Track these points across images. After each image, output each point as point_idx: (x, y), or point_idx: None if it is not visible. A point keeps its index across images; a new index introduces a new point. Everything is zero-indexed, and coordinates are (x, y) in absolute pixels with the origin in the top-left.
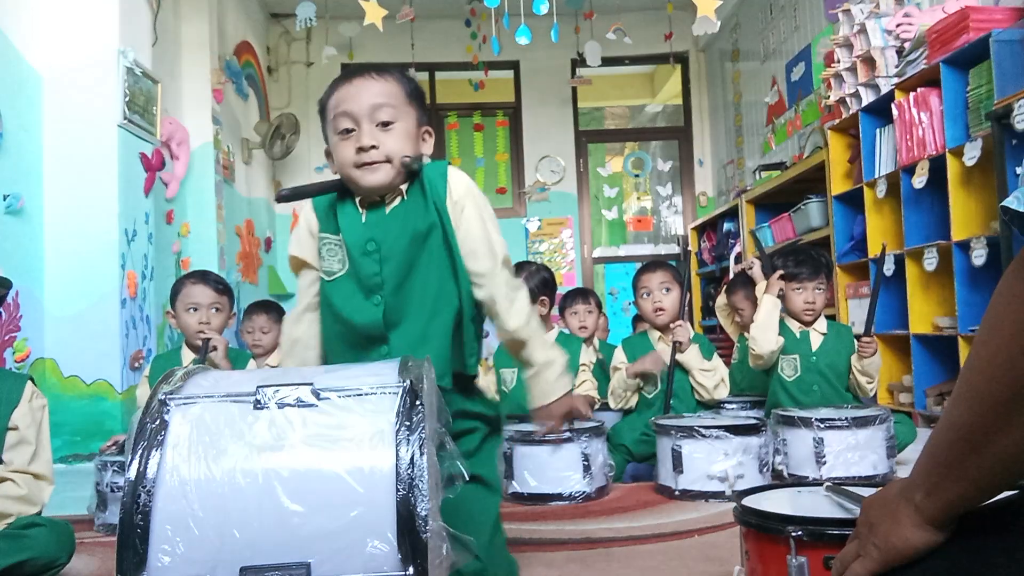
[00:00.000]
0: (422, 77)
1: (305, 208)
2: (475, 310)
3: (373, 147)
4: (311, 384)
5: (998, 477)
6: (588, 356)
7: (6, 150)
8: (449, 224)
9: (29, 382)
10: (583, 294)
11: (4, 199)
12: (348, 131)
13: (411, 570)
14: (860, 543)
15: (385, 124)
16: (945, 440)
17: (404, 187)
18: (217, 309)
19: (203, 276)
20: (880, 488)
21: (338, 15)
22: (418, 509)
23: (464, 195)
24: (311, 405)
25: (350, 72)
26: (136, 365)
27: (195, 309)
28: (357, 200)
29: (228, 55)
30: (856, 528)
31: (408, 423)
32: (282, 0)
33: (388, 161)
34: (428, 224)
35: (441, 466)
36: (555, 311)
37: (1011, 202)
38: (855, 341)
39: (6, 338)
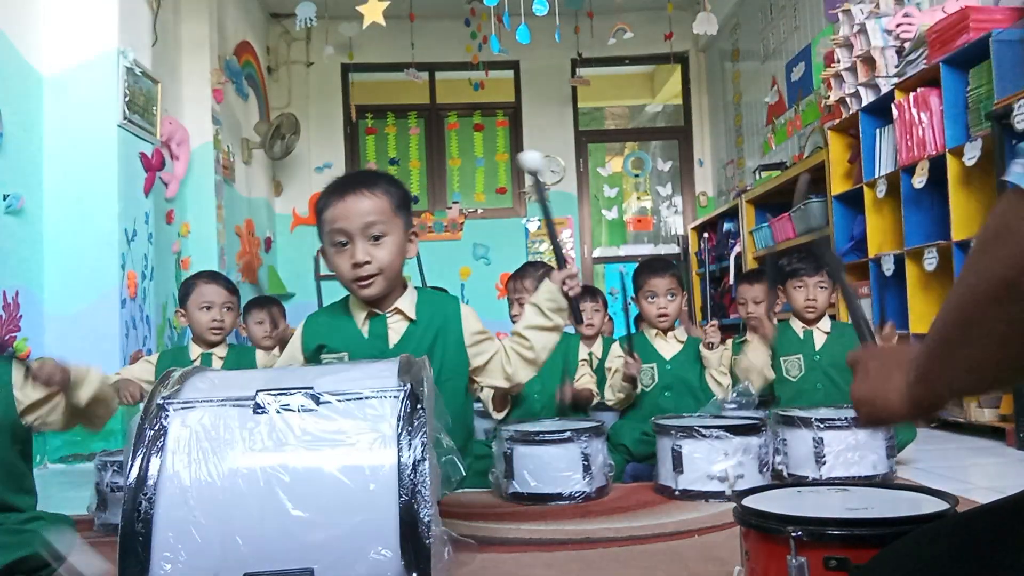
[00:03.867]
0: (422, 77)
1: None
2: None
3: (367, 262)
4: (311, 388)
5: (966, 382)
6: (584, 352)
7: (6, 150)
8: None
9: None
10: (590, 292)
11: (4, 199)
12: (343, 244)
13: None
14: (859, 373)
15: (377, 238)
16: (933, 336)
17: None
18: (229, 308)
19: (214, 276)
20: (893, 346)
21: (338, 15)
22: (421, 515)
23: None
24: (311, 410)
25: (343, 185)
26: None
27: (208, 307)
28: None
29: (228, 55)
30: (862, 357)
31: (409, 428)
32: (282, 0)
33: (380, 273)
34: None
35: (440, 463)
36: None
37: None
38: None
39: (6, 338)
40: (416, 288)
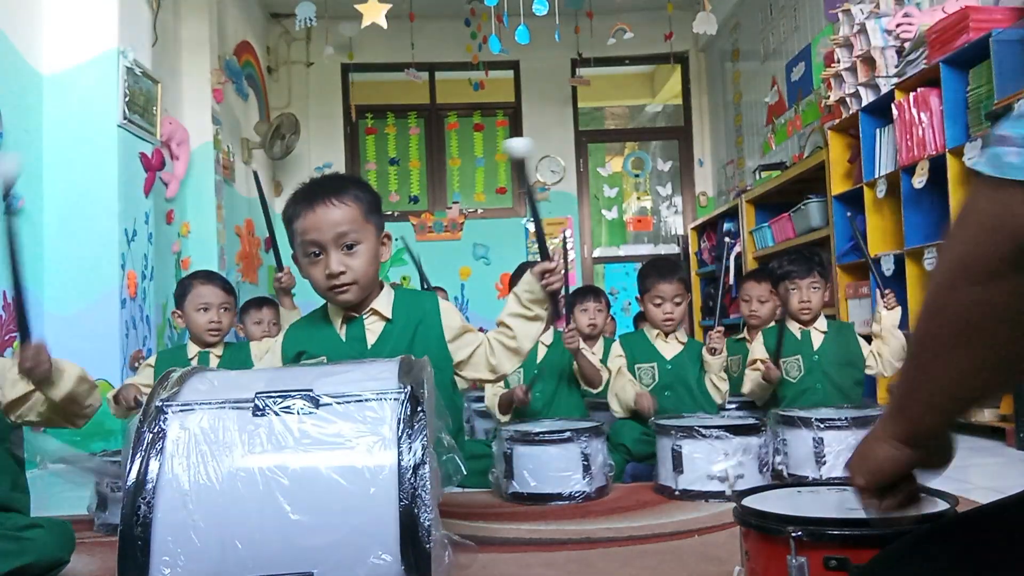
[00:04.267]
0: (422, 77)
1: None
2: None
3: (341, 272)
4: (310, 390)
5: (945, 401)
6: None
7: (6, 150)
8: None
9: None
10: (594, 292)
11: (4, 199)
12: (316, 255)
13: None
14: (851, 475)
15: (351, 246)
16: (903, 370)
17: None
18: (226, 309)
19: (210, 276)
20: None
21: (338, 15)
22: (421, 519)
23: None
24: (310, 412)
25: (311, 194)
26: (136, 365)
27: (205, 309)
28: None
29: (228, 55)
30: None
31: (410, 431)
32: (282, 0)
33: (356, 282)
34: None
35: (439, 462)
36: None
37: (981, 165)
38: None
39: (6, 338)
40: (393, 287)
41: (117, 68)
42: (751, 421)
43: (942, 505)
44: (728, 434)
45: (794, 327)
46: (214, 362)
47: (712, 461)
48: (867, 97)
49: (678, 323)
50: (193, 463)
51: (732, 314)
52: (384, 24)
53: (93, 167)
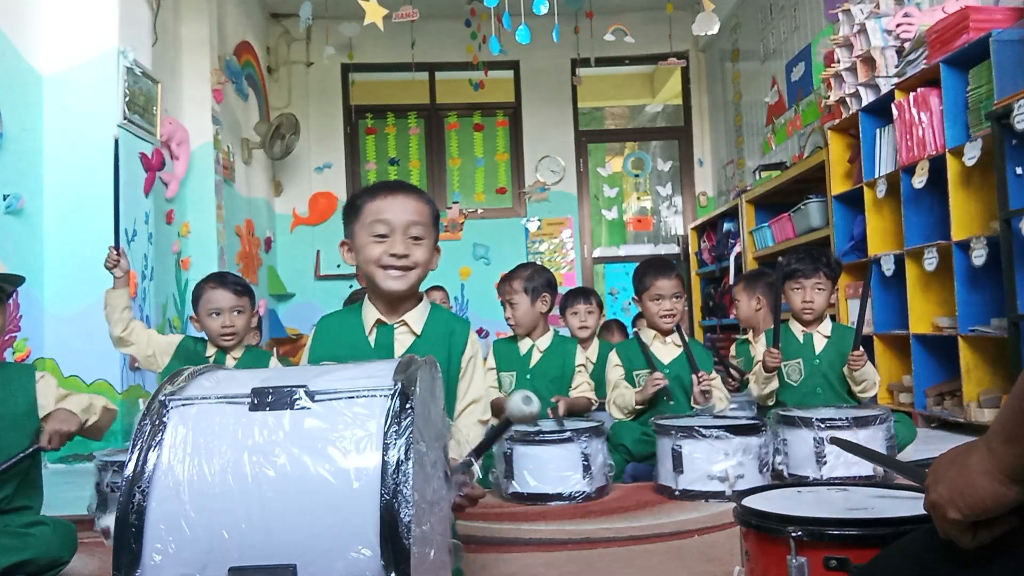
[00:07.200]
0: (422, 77)
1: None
2: None
3: (404, 255)
4: (304, 387)
5: None
6: (582, 358)
7: (6, 150)
8: None
9: (35, 372)
10: (584, 294)
11: (4, 199)
12: (383, 236)
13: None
14: (928, 499)
15: (416, 239)
16: (1014, 397)
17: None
18: (239, 311)
19: (222, 280)
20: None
21: (338, 15)
22: (401, 515)
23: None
24: (303, 408)
25: (394, 186)
26: (136, 365)
27: (217, 314)
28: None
29: (228, 55)
30: (930, 472)
31: (397, 426)
32: (282, 0)
33: (415, 267)
34: None
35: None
36: (554, 311)
37: None
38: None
39: (6, 338)
40: (432, 304)
41: (117, 68)
42: (751, 421)
43: None
44: (728, 434)
45: (797, 329)
46: (230, 363)
47: (712, 461)
48: (867, 97)
49: (678, 320)
50: (188, 455)
51: (732, 314)
52: (381, 26)
53: (93, 167)
